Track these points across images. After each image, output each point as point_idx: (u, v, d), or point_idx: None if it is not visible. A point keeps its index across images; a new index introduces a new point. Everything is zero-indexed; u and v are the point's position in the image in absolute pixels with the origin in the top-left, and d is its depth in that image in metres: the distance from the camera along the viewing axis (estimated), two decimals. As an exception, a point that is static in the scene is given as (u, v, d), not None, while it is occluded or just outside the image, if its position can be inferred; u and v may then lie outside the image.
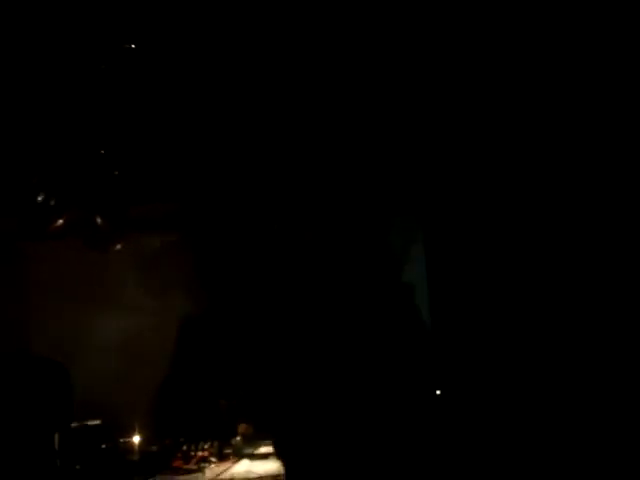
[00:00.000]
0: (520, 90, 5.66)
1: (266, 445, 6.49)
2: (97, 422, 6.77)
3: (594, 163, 5.99)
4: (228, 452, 6.36)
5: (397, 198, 6.88)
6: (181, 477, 5.76)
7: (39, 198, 5.63)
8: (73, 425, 6.70)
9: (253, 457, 6.35)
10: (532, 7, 4.66)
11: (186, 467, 6.00)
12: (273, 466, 5.89)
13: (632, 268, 6.06)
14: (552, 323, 6.36)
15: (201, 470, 5.89)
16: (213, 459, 6.10)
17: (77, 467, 6.46)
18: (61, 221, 5.71)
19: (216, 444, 6.20)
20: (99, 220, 5.87)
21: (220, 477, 5.74)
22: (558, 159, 6.08)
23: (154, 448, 6.27)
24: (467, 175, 6.48)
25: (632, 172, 5.90)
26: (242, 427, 6.52)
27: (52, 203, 5.62)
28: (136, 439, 6.38)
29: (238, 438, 6.50)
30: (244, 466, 5.96)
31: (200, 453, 6.11)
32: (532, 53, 5.08)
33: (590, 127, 5.73)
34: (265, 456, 6.44)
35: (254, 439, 6.40)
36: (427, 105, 6.01)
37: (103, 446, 6.58)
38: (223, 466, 5.98)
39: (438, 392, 6.77)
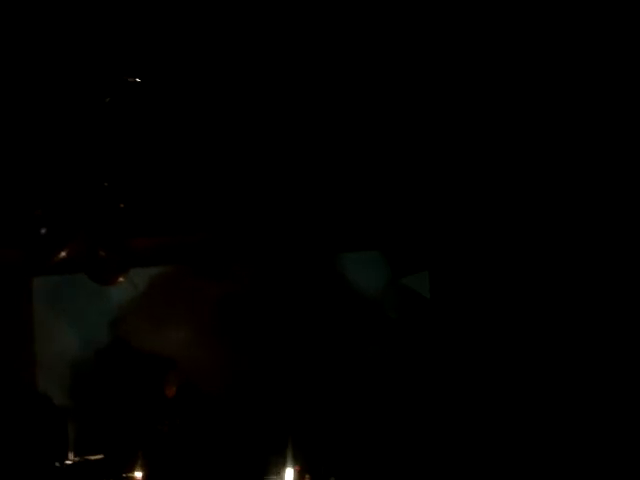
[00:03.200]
0: (522, 102, 5.68)
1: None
2: (99, 457, 6.74)
3: (595, 172, 6.00)
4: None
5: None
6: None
7: (42, 230, 5.63)
8: (75, 459, 6.69)
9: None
10: (532, 7, 4.65)
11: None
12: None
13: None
14: (551, 332, 6.34)
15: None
16: None
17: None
18: (64, 253, 5.69)
19: None
20: (102, 253, 5.86)
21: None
22: (556, 169, 6.11)
23: None
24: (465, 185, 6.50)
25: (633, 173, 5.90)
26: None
27: (55, 235, 5.62)
28: (138, 474, 6.32)
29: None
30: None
31: None
32: (533, 57, 5.07)
33: (591, 136, 5.73)
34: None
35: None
36: (428, 122, 6.01)
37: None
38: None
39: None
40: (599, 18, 4.76)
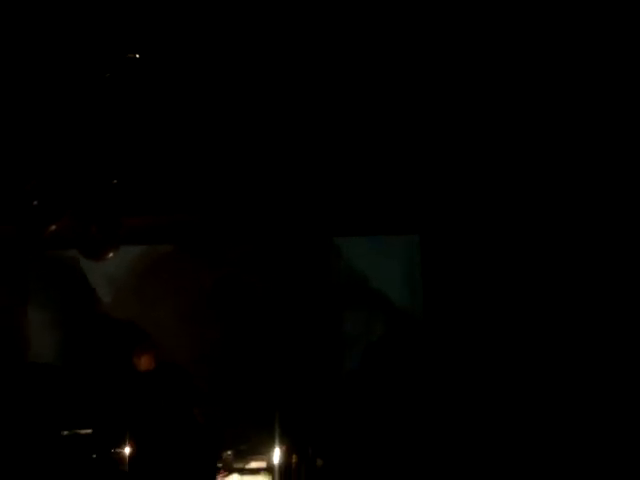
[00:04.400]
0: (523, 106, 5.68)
1: (256, 460, 6.45)
2: (89, 431, 6.76)
3: (594, 170, 5.99)
4: (219, 466, 6.32)
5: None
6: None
7: (34, 202, 5.64)
8: (65, 433, 6.71)
9: (243, 472, 6.31)
10: (532, 7, 4.64)
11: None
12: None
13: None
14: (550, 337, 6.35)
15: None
16: None
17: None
18: (55, 227, 5.71)
19: None
20: (94, 229, 5.88)
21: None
22: (557, 169, 6.11)
23: None
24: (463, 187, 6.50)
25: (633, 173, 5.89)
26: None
27: (47, 208, 5.64)
28: (127, 450, 6.34)
29: (229, 452, 6.45)
30: (234, 480, 5.95)
31: None
32: (533, 57, 5.07)
33: (591, 135, 5.72)
34: (256, 471, 6.39)
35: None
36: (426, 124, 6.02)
37: (94, 456, 6.58)
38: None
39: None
40: (599, 18, 4.76)
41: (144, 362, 6.54)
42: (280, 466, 6.29)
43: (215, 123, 6.05)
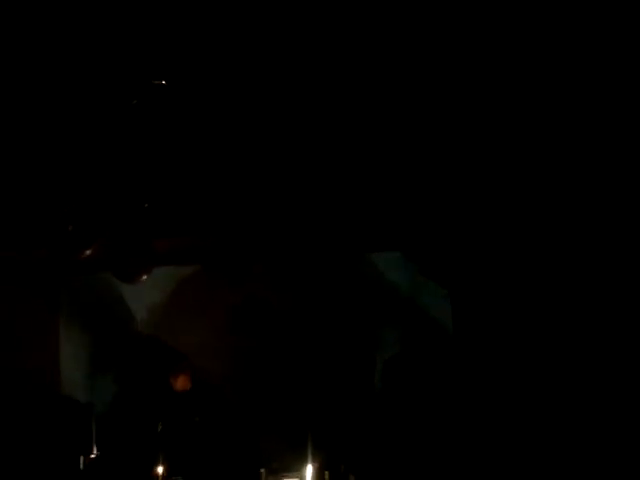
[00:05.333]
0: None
1: (289, 477, 6.48)
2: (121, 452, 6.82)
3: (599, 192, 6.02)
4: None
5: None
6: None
7: (69, 228, 5.76)
8: (98, 454, 6.78)
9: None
10: (532, 7, 4.67)
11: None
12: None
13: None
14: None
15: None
16: None
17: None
18: (90, 251, 5.82)
19: None
20: (127, 251, 5.98)
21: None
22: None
23: None
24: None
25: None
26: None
27: (82, 233, 5.75)
28: (159, 469, 6.40)
29: (262, 470, 6.49)
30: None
31: None
32: (533, 58, 5.09)
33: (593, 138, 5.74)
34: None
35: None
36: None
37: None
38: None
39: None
40: (599, 18, 4.78)
41: (180, 382, 6.63)
42: (313, 483, 6.35)
43: (239, 147, 6.14)
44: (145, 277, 6.21)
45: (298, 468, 6.44)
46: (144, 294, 7.04)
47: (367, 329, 7.23)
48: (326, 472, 6.49)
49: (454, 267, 6.92)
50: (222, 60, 5.32)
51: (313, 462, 6.45)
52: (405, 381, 7.00)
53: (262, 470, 6.44)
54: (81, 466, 6.64)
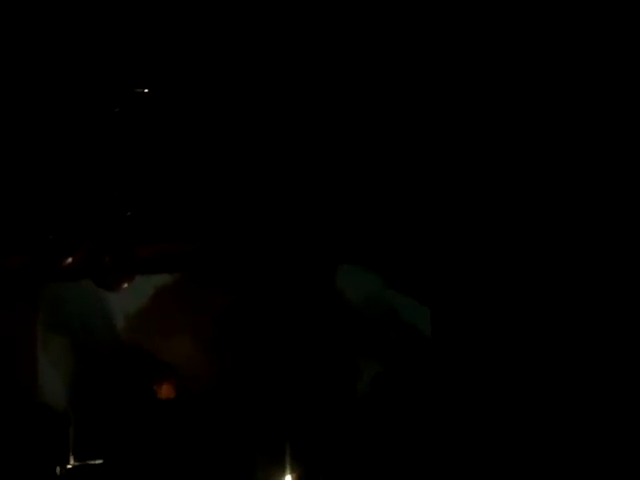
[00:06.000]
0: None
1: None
2: (99, 461, 6.78)
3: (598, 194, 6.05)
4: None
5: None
6: None
7: (50, 237, 5.74)
8: (74, 464, 6.73)
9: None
10: (532, 7, 4.69)
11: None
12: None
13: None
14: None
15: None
16: None
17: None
18: (71, 259, 5.80)
19: None
20: (108, 259, 5.96)
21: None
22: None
23: None
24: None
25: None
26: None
27: (63, 242, 5.73)
28: None
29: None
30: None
31: None
32: (533, 58, 5.11)
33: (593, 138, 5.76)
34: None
35: None
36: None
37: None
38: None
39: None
40: (599, 18, 4.81)
41: (164, 391, 6.60)
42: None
43: (224, 153, 6.15)
44: (127, 285, 6.19)
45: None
46: (126, 301, 7.01)
47: (350, 339, 7.23)
48: (305, 483, 6.48)
49: (431, 279, 6.97)
50: (206, 64, 5.35)
51: (292, 473, 6.44)
52: (384, 389, 7.00)
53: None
54: (57, 476, 6.58)
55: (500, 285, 6.63)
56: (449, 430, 6.63)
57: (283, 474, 6.46)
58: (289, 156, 6.19)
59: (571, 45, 5.06)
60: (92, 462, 6.77)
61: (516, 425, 6.41)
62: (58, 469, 6.59)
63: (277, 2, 4.86)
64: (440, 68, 5.34)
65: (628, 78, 5.23)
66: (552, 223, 6.36)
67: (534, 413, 6.38)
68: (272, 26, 5.02)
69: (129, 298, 6.88)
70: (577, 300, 6.37)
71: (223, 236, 6.78)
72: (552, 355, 6.43)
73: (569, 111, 5.62)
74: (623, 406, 6.11)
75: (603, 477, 5.95)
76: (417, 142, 6.10)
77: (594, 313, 6.29)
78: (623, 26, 4.86)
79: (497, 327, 6.62)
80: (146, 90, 5.49)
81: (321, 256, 7.12)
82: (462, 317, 6.82)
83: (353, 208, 6.68)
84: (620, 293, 6.19)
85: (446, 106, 5.74)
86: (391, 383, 6.98)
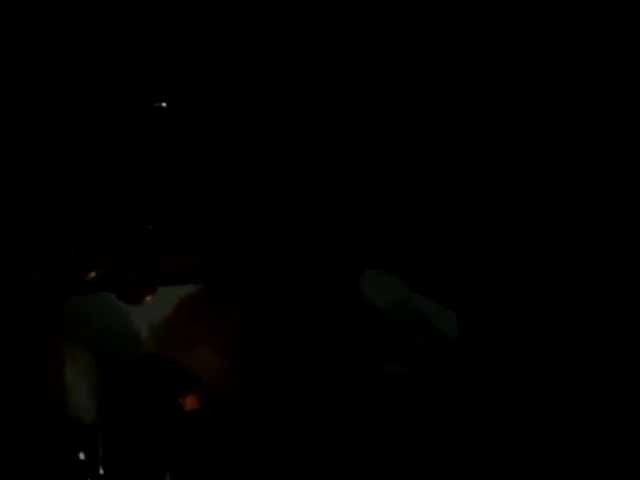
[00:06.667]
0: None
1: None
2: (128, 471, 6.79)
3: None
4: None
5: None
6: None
7: (73, 252, 5.77)
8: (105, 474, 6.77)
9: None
10: (532, 7, 4.67)
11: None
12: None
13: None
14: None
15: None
16: None
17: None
18: (94, 274, 5.83)
19: None
20: (131, 273, 5.98)
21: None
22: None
23: None
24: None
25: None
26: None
27: (85, 257, 5.75)
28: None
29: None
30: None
31: None
32: (533, 58, 5.08)
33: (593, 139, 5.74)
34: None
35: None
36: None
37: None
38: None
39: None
40: (599, 18, 4.77)
41: (190, 402, 6.61)
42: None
43: (243, 164, 6.15)
44: (149, 298, 6.20)
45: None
46: (150, 313, 7.01)
47: (375, 344, 7.20)
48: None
49: (457, 283, 6.94)
50: (224, 75, 5.35)
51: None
52: (407, 395, 6.98)
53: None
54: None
55: (526, 288, 6.60)
56: (474, 433, 6.61)
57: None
58: (310, 164, 6.18)
59: (571, 45, 5.02)
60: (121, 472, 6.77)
61: (541, 427, 6.40)
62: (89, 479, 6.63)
63: (278, 5, 4.87)
64: (447, 70, 5.32)
65: (628, 78, 5.19)
66: (576, 226, 6.33)
67: (560, 415, 6.36)
68: (276, 32, 5.03)
69: (153, 310, 6.87)
70: (602, 301, 6.34)
71: (245, 246, 6.78)
72: (578, 358, 6.40)
73: (573, 110, 5.58)
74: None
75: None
76: (441, 146, 6.08)
77: (620, 312, 6.26)
78: (623, 26, 4.82)
79: (523, 331, 6.60)
80: (165, 104, 5.51)
81: (345, 262, 7.09)
82: (488, 321, 6.80)
83: (376, 212, 6.66)
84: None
85: (465, 110, 5.72)
86: (417, 388, 6.96)
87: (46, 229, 6.13)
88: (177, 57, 5.10)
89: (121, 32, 5.02)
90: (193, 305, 7.20)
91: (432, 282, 7.10)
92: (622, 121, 5.54)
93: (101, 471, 6.78)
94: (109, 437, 6.91)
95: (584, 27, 4.81)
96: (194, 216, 6.43)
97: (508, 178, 6.22)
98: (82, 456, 6.75)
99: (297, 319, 7.15)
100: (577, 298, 6.42)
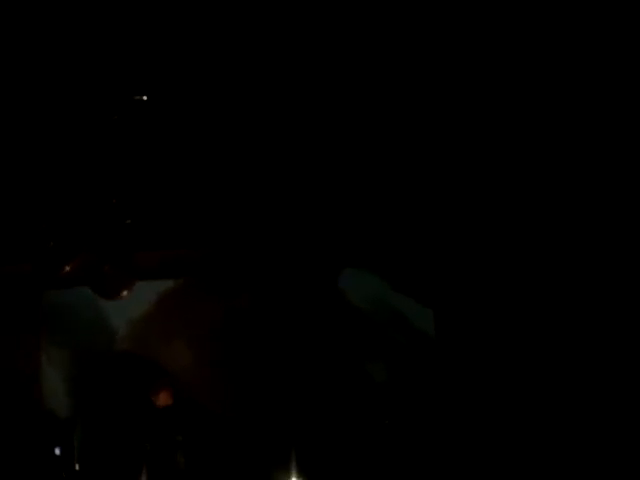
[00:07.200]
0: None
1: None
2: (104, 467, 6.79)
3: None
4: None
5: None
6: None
7: (50, 244, 5.74)
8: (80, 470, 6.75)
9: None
10: (532, 7, 4.67)
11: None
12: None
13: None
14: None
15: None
16: None
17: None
18: (70, 267, 5.80)
19: None
20: (107, 267, 5.96)
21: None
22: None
23: None
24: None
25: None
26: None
27: (62, 249, 5.72)
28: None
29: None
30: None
31: None
32: (533, 58, 5.08)
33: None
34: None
35: None
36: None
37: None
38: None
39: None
40: (599, 18, 4.78)
41: (162, 398, 6.60)
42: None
43: (224, 158, 6.13)
44: (126, 293, 6.18)
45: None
46: (126, 308, 6.99)
47: (354, 342, 7.21)
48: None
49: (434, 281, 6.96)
50: (206, 69, 5.33)
51: (297, 478, 6.44)
52: (389, 394, 6.99)
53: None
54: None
55: (503, 286, 6.62)
56: (454, 431, 6.63)
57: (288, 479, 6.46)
58: (291, 161, 6.16)
59: (571, 45, 5.02)
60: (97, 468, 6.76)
61: (519, 426, 6.41)
62: (63, 474, 6.61)
63: (277, 4, 4.85)
64: (443, 69, 5.32)
65: (628, 78, 5.20)
66: (554, 224, 6.34)
67: (537, 414, 6.38)
68: (271, 30, 5.00)
69: (131, 304, 6.85)
70: (580, 300, 6.37)
71: (224, 241, 6.76)
72: (555, 355, 6.42)
73: (570, 111, 5.59)
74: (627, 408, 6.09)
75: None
76: (421, 145, 6.08)
77: (599, 311, 6.28)
78: (623, 26, 4.83)
79: (500, 328, 6.62)
80: (145, 97, 5.48)
81: (324, 260, 7.09)
82: (465, 318, 6.82)
83: (356, 212, 6.66)
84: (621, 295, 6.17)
85: (449, 108, 5.71)
86: (396, 386, 6.97)
87: (24, 222, 6.09)
88: (157, 48, 5.06)
89: (114, 28, 5.00)
90: (171, 300, 7.19)
91: (411, 281, 7.12)
92: (622, 121, 5.56)
93: (77, 467, 6.76)
94: (85, 432, 6.91)
95: (584, 27, 4.82)
96: (173, 210, 6.40)
97: (487, 177, 6.23)
98: (57, 451, 6.72)
99: (277, 316, 7.15)
100: (556, 295, 6.45)
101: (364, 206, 6.57)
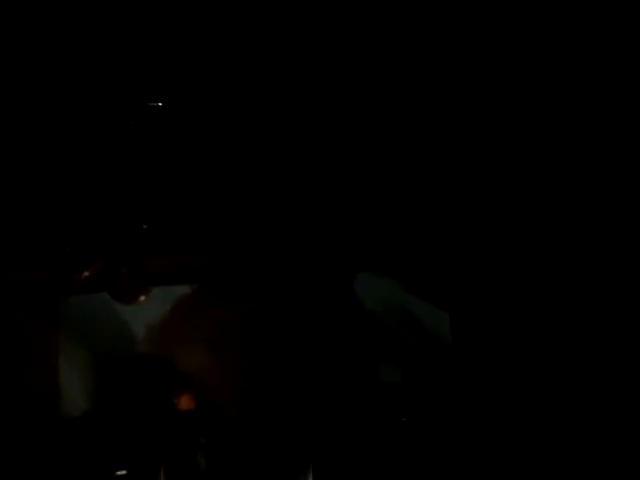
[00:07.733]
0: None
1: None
2: (123, 472, 6.82)
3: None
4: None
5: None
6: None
7: (67, 250, 5.77)
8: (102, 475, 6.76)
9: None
10: (532, 7, 4.67)
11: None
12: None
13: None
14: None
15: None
16: None
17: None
18: (88, 272, 5.84)
19: None
20: (124, 272, 5.99)
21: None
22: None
23: None
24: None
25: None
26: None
27: (79, 255, 5.76)
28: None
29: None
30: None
31: None
32: (533, 57, 5.09)
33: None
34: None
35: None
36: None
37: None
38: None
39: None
40: (599, 18, 4.78)
41: (184, 402, 6.62)
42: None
43: (238, 163, 6.16)
44: (143, 298, 6.21)
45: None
46: (143, 313, 7.03)
47: (369, 346, 7.21)
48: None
49: (450, 284, 6.95)
50: (220, 76, 5.37)
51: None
52: (406, 402, 6.98)
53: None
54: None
55: (520, 289, 6.61)
56: (469, 435, 6.62)
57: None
58: (304, 165, 6.19)
59: (571, 45, 5.03)
60: (117, 473, 6.78)
61: (535, 429, 6.40)
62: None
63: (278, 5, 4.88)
64: (446, 70, 5.34)
65: (628, 78, 5.21)
66: (573, 227, 6.35)
67: (553, 417, 6.37)
68: (275, 33, 5.04)
69: (149, 309, 6.89)
70: (604, 305, 6.35)
71: (239, 245, 6.79)
72: (575, 362, 6.40)
73: (571, 111, 5.60)
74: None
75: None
76: (439, 148, 6.10)
77: (621, 314, 6.27)
78: (623, 26, 4.83)
79: (517, 331, 6.61)
80: (160, 104, 5.52)
81: (338, 264, 7.11)
82: (482, 322, 6.80)
83: (369, 214, 6.68)
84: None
85: (464, 111, 5.73)
86: (411, 389, 6.97)
87: (41, 228, 6.14)
88: (173, 55, 5.11)
89: (119, 31, 5.03)
90: (188, 305, 7.22)
91: (426, 284, 7.12)
92: (622, 121, 5.56)
93: (96, 470, 6.78)
94: (104, 436, 6.93)
95: (584, 27, 4.82)
96: (188, 216, 6.44)
97: (501, 180, 6.24)
98: (77, 456, 6.75)
99: (291, 319, 7.16)
100: (571, 298, 6.44)
101: (378, 210, 6.59)
